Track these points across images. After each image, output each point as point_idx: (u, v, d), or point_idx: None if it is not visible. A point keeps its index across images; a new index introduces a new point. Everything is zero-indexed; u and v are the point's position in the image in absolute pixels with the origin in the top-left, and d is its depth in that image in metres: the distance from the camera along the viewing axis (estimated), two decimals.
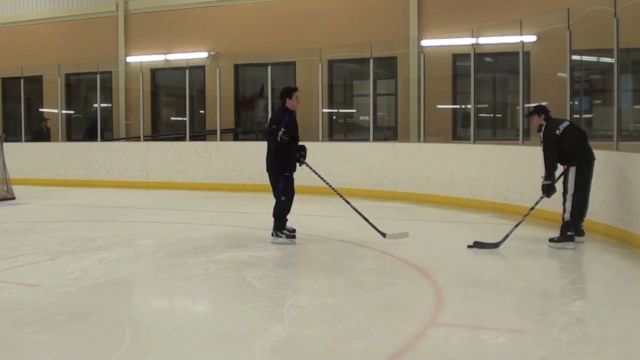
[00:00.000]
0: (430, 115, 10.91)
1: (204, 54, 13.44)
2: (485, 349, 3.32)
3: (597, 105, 11.20)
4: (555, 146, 5.86)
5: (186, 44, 13.63)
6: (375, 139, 10.80)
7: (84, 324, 3.70)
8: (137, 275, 5.06)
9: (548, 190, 5.88)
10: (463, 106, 11.61)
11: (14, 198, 10.13)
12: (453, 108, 11.79)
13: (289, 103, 6.23)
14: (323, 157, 9.49)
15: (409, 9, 11.70)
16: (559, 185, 5.96)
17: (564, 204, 5.93)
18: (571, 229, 5.85)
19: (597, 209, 6.53)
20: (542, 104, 6.52)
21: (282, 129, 6.00)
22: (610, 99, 7.56)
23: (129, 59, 14.28)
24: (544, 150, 5.93)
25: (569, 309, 4.04)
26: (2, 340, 3.42)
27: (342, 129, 13.26)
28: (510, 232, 5.91)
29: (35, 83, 15.08)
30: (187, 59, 12.99)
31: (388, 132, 12.49)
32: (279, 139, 6.02)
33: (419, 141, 10.53)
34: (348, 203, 6.37)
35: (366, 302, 4.17)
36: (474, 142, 9.51)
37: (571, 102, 7.80)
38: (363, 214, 6.34)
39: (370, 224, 6.20)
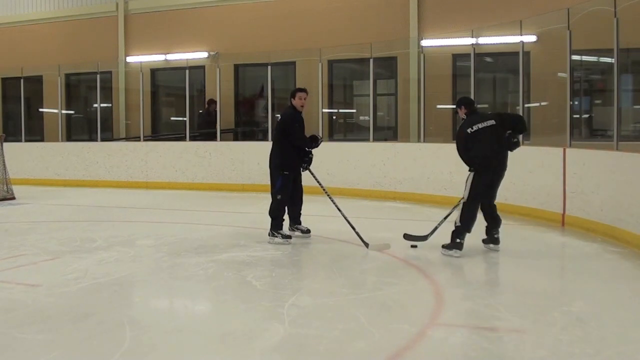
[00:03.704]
0: (430, 115, 10.89)
1: (204, 54, 13.43)
2: (485, 349, 3.32)
3: (597, 105, 11.19)
4: (463, 144, 5.66)
5: (186, 44, 13.62)
6: (375, 139, 10.80)
7: (84, 324, 3.69)
8: (137, 275, 5.05)
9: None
10: None
11: (14, 198, 10.13)
12: (453, 108, 11.78)
13: (293, 102, 6.32)
14: (323, 157, 9.40)
15: (409, 9, 11.70)
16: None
17: (454, 207, 5.80)
18: (460, 236, 5.55)
19: (597, 209, 6.53)
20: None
21: (318, 136, 6.41)
22: (610, 99, 7.55)
23: (129, 59, 14.27)
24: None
25: (569, 309, 4.04)
26: (2, 340, 3.42)
27: (342, 129, 13.26)
28: (439, 224, 5.87)
29: (35, 83, 15.07)
30: (187, 59, 12.98)
31: (388, 132, 12.48)
32: (317, 146, 6.35)
33: (419, 141, 10.51)
34: (340, 211, 6.30)
35: (366, 302, 4.16)
36: None
37: (571, 102, 7.80)
38: (353, 221, 6.24)
39: (357, 232, 6.10)
